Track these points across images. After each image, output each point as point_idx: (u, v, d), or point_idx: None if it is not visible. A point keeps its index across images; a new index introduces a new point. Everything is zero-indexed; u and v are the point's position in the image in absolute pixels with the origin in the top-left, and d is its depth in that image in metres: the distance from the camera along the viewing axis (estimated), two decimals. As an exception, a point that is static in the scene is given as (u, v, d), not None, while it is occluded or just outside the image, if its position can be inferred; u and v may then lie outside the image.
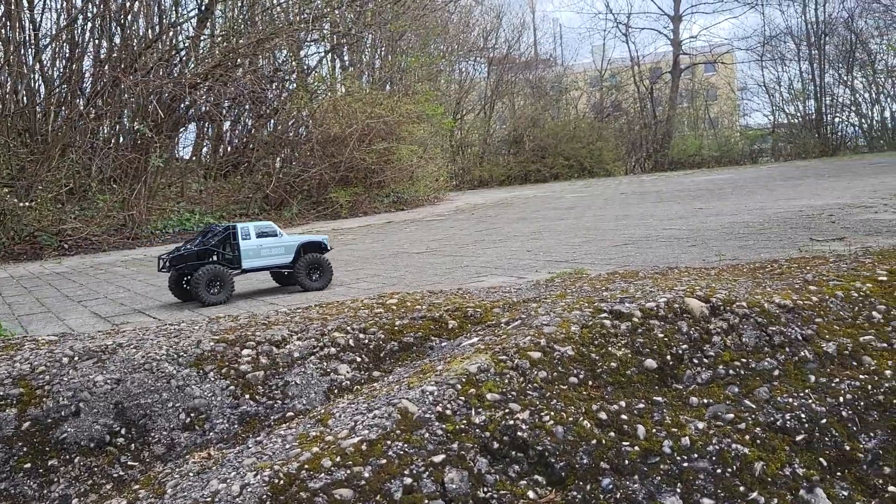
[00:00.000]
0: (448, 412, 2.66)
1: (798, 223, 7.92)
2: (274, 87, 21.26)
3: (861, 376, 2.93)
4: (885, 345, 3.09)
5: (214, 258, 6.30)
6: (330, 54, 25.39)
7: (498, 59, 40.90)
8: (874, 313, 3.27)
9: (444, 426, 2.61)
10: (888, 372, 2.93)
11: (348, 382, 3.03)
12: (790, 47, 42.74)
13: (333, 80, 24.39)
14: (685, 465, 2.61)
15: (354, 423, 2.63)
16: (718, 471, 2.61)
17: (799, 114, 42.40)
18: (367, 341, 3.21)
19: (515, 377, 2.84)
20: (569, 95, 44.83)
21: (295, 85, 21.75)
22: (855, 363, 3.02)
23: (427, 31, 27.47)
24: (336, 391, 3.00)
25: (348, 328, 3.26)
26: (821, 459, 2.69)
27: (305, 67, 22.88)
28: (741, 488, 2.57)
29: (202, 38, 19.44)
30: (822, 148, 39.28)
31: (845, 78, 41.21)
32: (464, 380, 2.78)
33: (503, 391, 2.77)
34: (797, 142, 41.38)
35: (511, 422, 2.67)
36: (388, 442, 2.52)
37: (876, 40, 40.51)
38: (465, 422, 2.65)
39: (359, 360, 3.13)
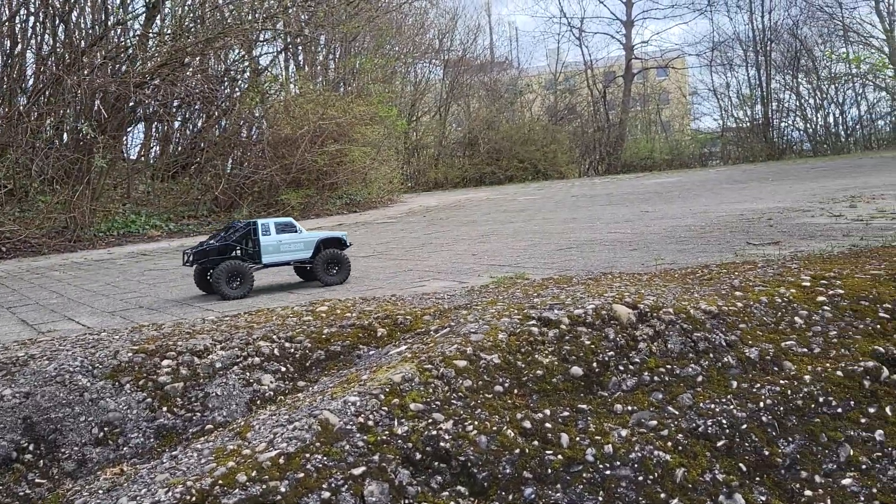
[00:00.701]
0: (370, 423, 2.61)
1: (738, 227, 8.07)
2: (224, 87, 20.94)
3: (781, 381, 2.98)
4: (805, 350, 3.15)
5: (238, 253, 6.44)
6: (283, 54, 25.14)
7: (453, 61, 40.99)
8: (796, 319, 3.33)
9: (365, 437, 2.57)
10: (807, 377, 2.98)
11: (272, 393, 2.96)
12: (738, 53, 43.79)
13: (286, 80, 24.13)
14: (607, 472, 2.61)
15: (273, 435, 2.57)
16: (640, 478, 2.62)
17: (747, 118, 43.43)
18: (292, 350, 3.15)
19: (440, 386, 2.81)
20: (524, 98, 45.15)
21: (246, 85, 21.44)
22: (776, 368, 3.06)
23: (381, 32, 27.38)
24: (259, 402, 2.93)
25: (274, 337, 3.20)
26: (740, 465, 2.72)
27: (257, 67, 22.58)
28: (662, 495, 2.59)
29: (150, 35, 19.03)
30: (769, 152, 40.26)
31: (791, 84, 42.36)
32: (387, 390, 2.74)
33: (427, 401, 2.74)
34: (745, 146, 42.36)
35: (434, 432, 2.64)
36: (307, 455, 2.47)
37: (820, 47, 41.72)
38: (387, 433, 2.61)
39: (283, 369, 3.07)
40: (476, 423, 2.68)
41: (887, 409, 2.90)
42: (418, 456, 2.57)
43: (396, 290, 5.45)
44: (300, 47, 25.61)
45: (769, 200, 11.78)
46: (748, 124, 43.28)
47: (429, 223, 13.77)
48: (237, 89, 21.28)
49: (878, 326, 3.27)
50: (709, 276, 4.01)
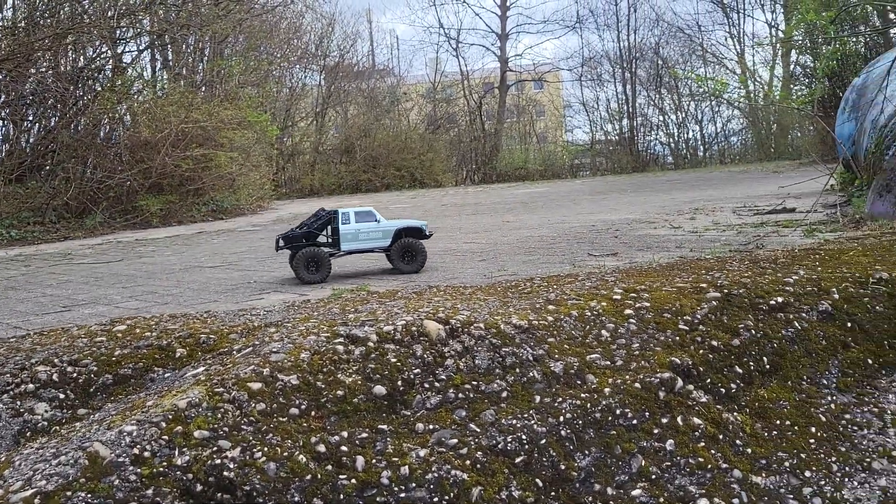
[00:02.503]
0: (146, 454, 2.43)
1: (586, 238, 8.32)
2: (79, 85, 19.71)
3: (583, 395, 3.02)
4: (608, 363, 3.22)
5: (322, 240, 6.80)
6: (146, 54, 23.98)
7: (331, 66, 40.53)
8: (603, 332, 3.41)
9: (139, 470, 2.38)
10: (607, 390, 3.04)
11: (45, 423, 2.71)
12: (607, 69, 45.81)
13: (149, 81, 23.01)
14: (402, 495, 2.55)
15: (34, 472, 2.33)
16: (436, 499, 2.57)
17: (615, 132, 45.47)
18: (75, 375, 2.90)
19: (231, 411, 2.66)
20: (402, 106, 45.25)
21: (103, 85, 20.26)
22: (579, 382, 3.11)
23: (252, 34, 26.65)
24: (29, 434, 2.67)
25: (56, 360, 2.94)
26: (537, 480, 2.73)
27: (118, 66, 21.38)
28: (457, 516, 2.55)
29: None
30: (635, 164, 42.30)
31: (655, 100, 44.75)
32: (171, 416, 2.56)
33: (214, 427, 2.58)
34: (613, 158, 44.30)
35: (219, 461, 2.49)
36: (69, 493, 2.26)
37: (680, 66, 44.32)
38: (165, 464, 2.43)
39: (63, 396, 2.82)
40: (266, 449, 2.55)
41: (679, 419, 3.00)
42: (199, 487, 2.41)
43: (231, 305, 5.23)
44: (163, 47, 24.53)
45: (623, 212, 12.29)
46: (616, 137, 45.33)
47: (292, 232, 13.45)
48: (94, 89, 20.08)
49: (678, 338, 3.40)
50: (529, 290, 4.06)
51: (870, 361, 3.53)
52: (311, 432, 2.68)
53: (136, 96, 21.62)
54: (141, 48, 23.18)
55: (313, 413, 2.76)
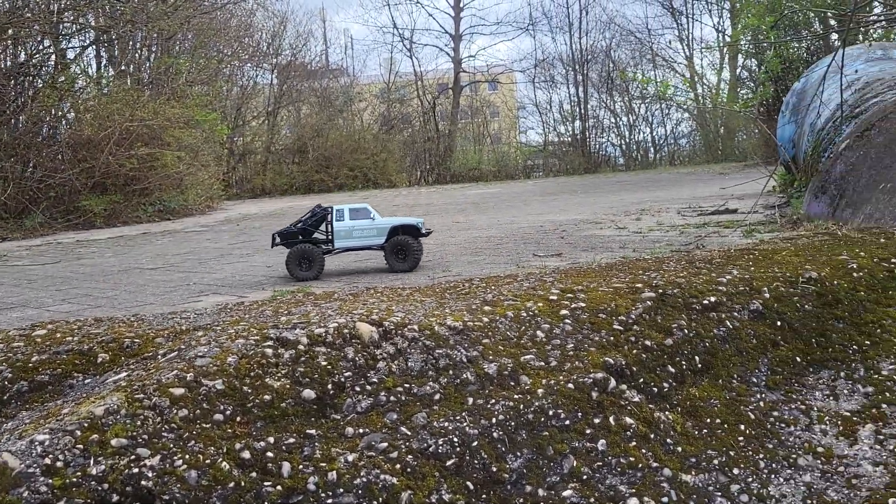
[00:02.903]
0: (59, 464, 2.33)
1: (533, 238, 8.36)
2: (19, 81, 19.10)
3: (516, 396, 3.01)
4: (542, 363, 3.21)
5: (318, 237, 6.76)
6: (90, 50, 23.36)
7: (283, 65, 40.07)
8: (539, 332, 3.40)
9: (50, 481, 2.28)
10: (541, 390, 3.04)
11: (-47, 434, 2.59)
12: (560, 71, 46.26)
13: (90, 78, 22.41)
14: (329, 501, 2.50)
15: (-66, 486, 2.22)
16: (364, 504, 2.53)
17: (568, 133, 45.94)
18: (-12, 383, 2.78)
19: (151, 418, 2.57)
20: (356, 106, 44.98)
21: (44, 81, 19.67)
22: (513, 383, 3.10)
23: (201, 31, 26.18)
24: (-65, 445, 2.54)
25: (-33, 368, 2.81)
26: (468, 483, 2.71)
27: (59, 62, 20.76)
28: (385, 521, 2.51)
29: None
30: (587, 165, 42.78)
31: (607, 102, 45.36)
32: (86, 424, 2.47)
33: (133, 435, 2.50)
34: (566, 159, 44.74)
35: (136, 470, 2.40)
36: (-27, 506, 2.16)
37: (631, 69, 44.99)
38: (79, 474, 2.34)
39: (-27, 405, 2.70)
40: (187, 456, 2.47)
41: (611, 419, 3.01)
42: (115, 498, 2.33)
43: (166, 307, 5.10)
44: (109, 44, 23.92)
45: (572, 212, 12.39)
46: (569, 139, 45.79)
47: (240, 232, 13.24)
48: (35, 85, 19.47)
49: (612, 338, 3.41)
50: (467, 291, 4.04)
51: (798, 359, 3.60)
52: (236, 438, 2.61)
53: (79, 93, 21.06)
54: (85, 44, 22.60)
55: (239, 419, 2.69)
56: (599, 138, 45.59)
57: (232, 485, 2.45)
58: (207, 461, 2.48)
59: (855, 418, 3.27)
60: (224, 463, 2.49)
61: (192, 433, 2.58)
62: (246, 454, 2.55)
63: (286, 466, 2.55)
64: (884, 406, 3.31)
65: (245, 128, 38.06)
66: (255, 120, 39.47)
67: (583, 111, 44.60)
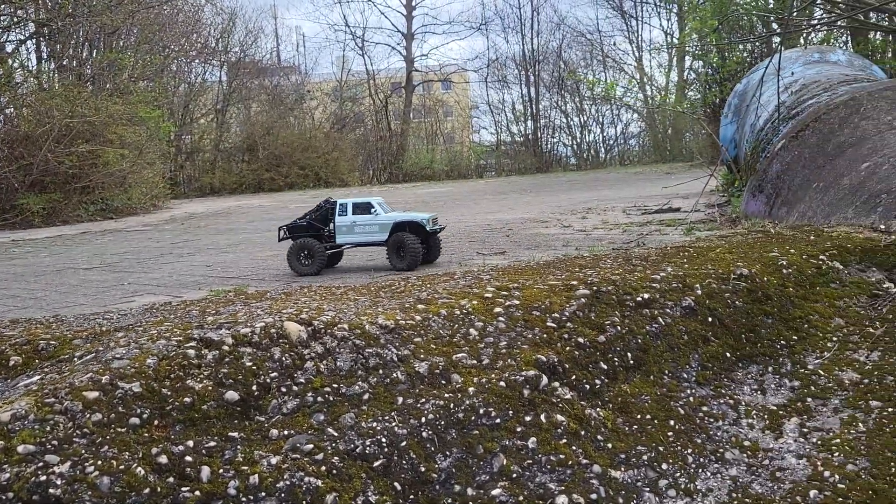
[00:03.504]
0: (-41, 474, 2.22)
1: (479, 237, 8.36)
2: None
3: (447, 395, 2.98)
4: (475, 362, 3.19)
5: (326, 231, 6.60)
6: (29, 44, 22.62)
7: (233, 62, 39.43)
8: (472, 330, 3.38)
9: (-51, 492, 2.18)
10: (472, 389, 3.01)
11: None
12: (513, 71, 46.49)
13: (28, 73, 21.71)
14: (250, 506, 2.43)
15: None
16: (287, 508, 2.47)
17: (520, 133, 46.21)
18: None
19: (63, 423, 2.47)
20: (307, 105, 44.52)
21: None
22: (444, 382, 3.06)
23: (147, 26, 25.58)
24: None
25: None
26: (396, 484, 2.66)
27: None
28: (309, 524, 2.45)
29: None
30: (539, 165, 43.10)
31: (558, 102, 45.76)
32: (-9, 431, 2.35)
33: (42, 441, 2.39)
34: (518, 158, 45.01)
35: (44, 477, 2.30)
36: None
37: (582, 70, 45.49)
38: (-19, 483, 2.23)
39: None
40: (100, 462, 2.38)
41: (542, 417, 3.00)
42: (21, 507, 2.22)
43: (97, 307, 4.94)
44: (56, 37, 23.20)
45: (520, 211, 12.45)
46: (521, 139, 46.06)
47: (183, 231, 12.96)
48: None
49: (545, 336, 3.41)
50: (402, 289, 4.00)
51: (728, 355, 3.65)
52: (153, 443, 2.52)
53: (17, 88, 20.38)
54: (23, 38, 21.87)
55: (157, 422, 2.60)
56: (551, 138, 45.98)
57: (147, 491, 2.36)
58: (121, 467, 2.39)
59: (781, 412, 3.32)
60: (139, 468, 2.40)
61: (105, 438, 2.48)
62: (163, 459, 2.47)
63: (205, 471, 2.48)
64: (809, 400, 3.38)
65: (193, 125, 37.31)
66: (203, 118, 38.74)
67: (535, 111, 44.91)
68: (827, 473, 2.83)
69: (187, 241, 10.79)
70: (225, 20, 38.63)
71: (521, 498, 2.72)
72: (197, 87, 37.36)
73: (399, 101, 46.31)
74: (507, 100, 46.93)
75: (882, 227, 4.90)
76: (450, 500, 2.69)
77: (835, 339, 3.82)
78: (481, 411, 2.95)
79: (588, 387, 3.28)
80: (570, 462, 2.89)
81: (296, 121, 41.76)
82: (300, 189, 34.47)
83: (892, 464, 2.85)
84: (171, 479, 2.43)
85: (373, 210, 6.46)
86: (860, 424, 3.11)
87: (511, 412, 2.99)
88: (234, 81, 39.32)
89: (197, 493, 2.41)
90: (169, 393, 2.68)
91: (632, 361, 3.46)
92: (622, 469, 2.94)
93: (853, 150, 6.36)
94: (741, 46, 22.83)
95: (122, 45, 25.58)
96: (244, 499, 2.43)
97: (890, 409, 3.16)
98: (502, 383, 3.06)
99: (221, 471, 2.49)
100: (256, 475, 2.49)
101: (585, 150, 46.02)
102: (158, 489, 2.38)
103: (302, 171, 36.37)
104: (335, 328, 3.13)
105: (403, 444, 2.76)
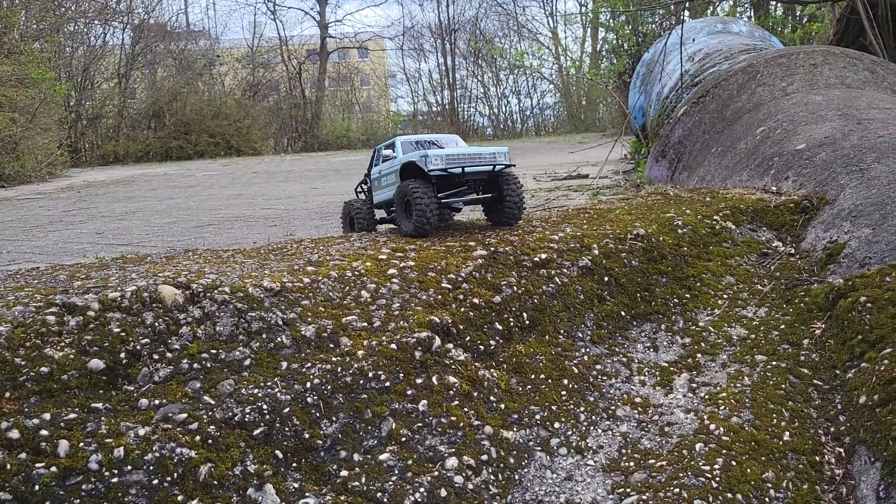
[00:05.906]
0: None
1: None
2: None
3: (334, 359, 2.85)
4: (365, 324, 3.07)
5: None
6: None
7: (137, 25, 37.51)
8: (363, 292, 3.26)
9: None
10: (361, 352, 2.90)
11: None
12: (429, 40, 46.08)
13: None
14: (114, 480, 2.25)
15: None
16: (156, 482, 2.30)
17: (437, 102, 45.99)
18: None
19: None
20: (217, 70, 42.90)
21: None
22: (332, 345, 2.94)
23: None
24: None
25: None
26: (277, 452, 2.53)
27: None
28: (180, 497, 2.29)
29: None
30: (456, 134, 42.99)
31: (475, 72, 45.69)
32: None
33: None
34: (435, 128, 44.80)
35: None
36: None
37: (499, 39, 45.51)
38: None
39: None
40: (-62, 440, 2.16)
41: (434, 379, 2.92)
42: None
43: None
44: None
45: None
46: (438, 108, 45.88)
47: (79, 199, 12.29)
48: None
49: (440, 297, 3.32)
50: (293, 252, 3.83)
51: (623, 313, 3.66)
52: (3, 416, 2.30)
53: None
54: None
55: (8, 394, 2.38)
56: (469, 108, 45.96)
57: (-4, 469, 2.16)
58: (-36, 444, 2.17)
59: (672, 368, 3.35)
60: (-15, 445, 2.19)
61: (-54, 413, 2.25)
62: (14, 433, 2.26)
63: (63, 444, 2.28)
64: (699, 356, 3.42)
65: (95, 91, 35.38)
66: (106, 83, 36.76)
67: (451, 80, 44.74)
68: (713, 427, 2.86)
69: (81, 209, 10.21)
70: (126, -21, 36.61)
71: (409, 462, 2.64)
72: (98, 49, 35.36)
73: (314, 68, 45.22)
74: (424, 69, 46.66)
75: (773, 188, 5.03)
76: (335, 467, 2.58)
77: (725, 296, 3.89)
78: (370, 375, 2.84)
79: (482, 348, 3.22)
80: (461, 424, 2.82)
81: (205, 87, 40.18)
82: (210, 157, 33.31)
83: (774, 415, 2.91)
84: (23, 455, 2.23)
85: (396, 150, 4.53)
86: (745, 378, 3.16)
87: (402, 375, 2.89)
88: (138, 45, 37.43)
89: (53, 469, 2.22)
90: (23, 363, 2.45)
91: (527, 322, 3.42)
92: (514, 429, 2.90)
93: (750, 116, 6.51)
94: (651, 17, 23.22)
95: (11, 3, 23.90)
96: (107, 473, 2.26)
97: (773, 363, 3.23)
98: (393, 346, 2.96)
99: (82, 444, 2.30)
100: (122, 447, 2.32)
101: (503, 120, 46.27)
102: (8, 466, 2.18)
103: (212, 140, 35.10)
104: (215, 291, 2.95)
105: (286, 410, 2.63)
